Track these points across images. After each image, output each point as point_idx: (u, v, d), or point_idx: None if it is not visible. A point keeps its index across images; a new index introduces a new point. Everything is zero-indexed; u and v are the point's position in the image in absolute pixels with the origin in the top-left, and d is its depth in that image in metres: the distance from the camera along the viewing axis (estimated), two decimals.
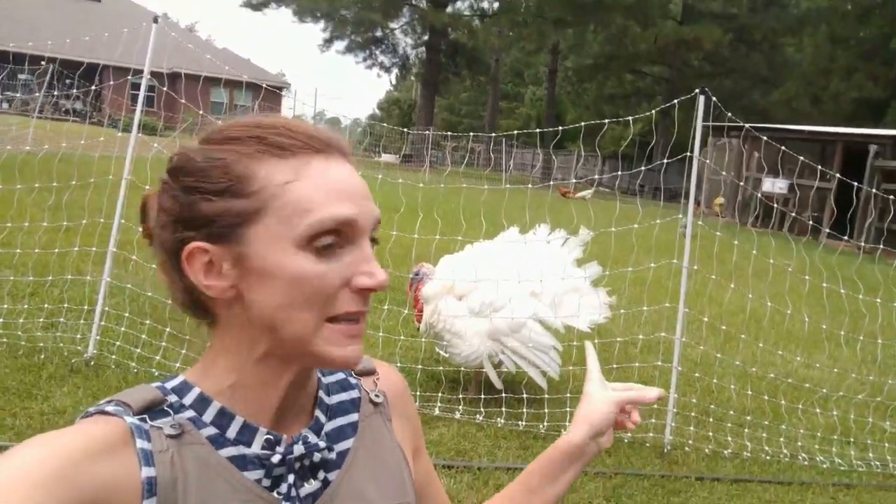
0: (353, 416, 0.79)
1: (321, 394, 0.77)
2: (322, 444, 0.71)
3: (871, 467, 3.79)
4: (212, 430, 0.67)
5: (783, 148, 4.07)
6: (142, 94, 4.21)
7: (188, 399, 0.68)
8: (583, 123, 3.87)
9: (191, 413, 0.67)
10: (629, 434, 3.76)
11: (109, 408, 0.65)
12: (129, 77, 4.68)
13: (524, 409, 3.84)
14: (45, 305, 4.36)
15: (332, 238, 0.64)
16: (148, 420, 0.65)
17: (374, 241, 0.69)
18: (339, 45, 33.35)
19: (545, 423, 3.77)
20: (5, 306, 4.29)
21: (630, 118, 4.01)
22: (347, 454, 0.75)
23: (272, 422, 0.70)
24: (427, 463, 0.90)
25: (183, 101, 4.21)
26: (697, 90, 3.74)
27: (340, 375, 0.82)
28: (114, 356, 3.93)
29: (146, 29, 4.37)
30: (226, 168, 0.65)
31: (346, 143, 0.70)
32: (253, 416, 0.69)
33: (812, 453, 3.84)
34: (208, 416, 0.68)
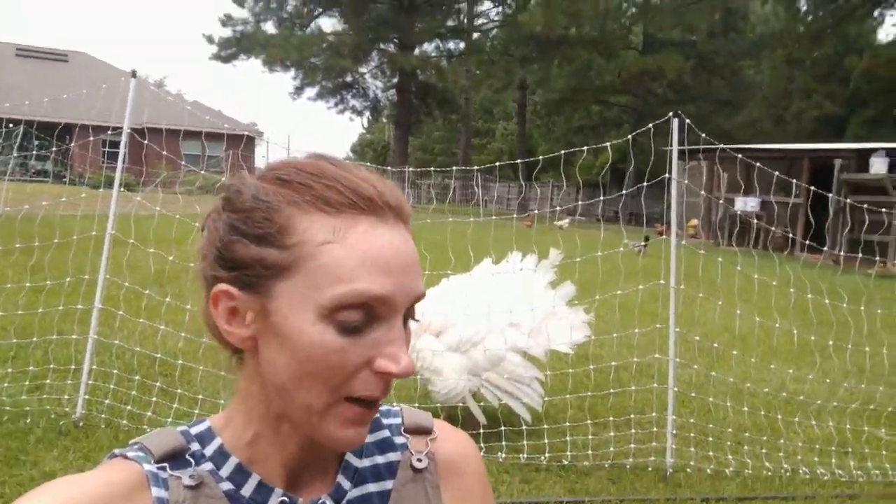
0: (387, 484, 0.72)
1: (349, 456, 0.72)
2: None
3: (871, 476, 3.80)
4: (228, 486, 0.65)
5: (758, 164, 4.17)
6: (122, 149, 4.20)
7: (209, 450, 0.67)
8: (562, 152, 3.94)
9: (210, 465, 0.66)
10: (631, 459, 3.75)
11: (131, 453, 0.64)
12: (108, 133, 4.70)
13: (524, 442, 3.82)
14: (30, 368, 4.28)
15: (360, 313, 0.59)
16: (168, 469, 0.64)
17: (410, 318, 0.63)
18: (310, 91, 33.67)
19: (546, 455, 3.75)
20: None
21: (608, 143, 4.08)
22: None
23: (288, 481, 0.67)
24: None
25: (165, 153, 4.21)
26: (671, 114, 3.84)
27: (385, 433, 0.75)
28: (103, 415, 3.85)
29: (113, 86, 4.39)
30: (268, 213, 0.60)
31: (405, 205, 0.63)
32: (269, 475, 0.67)
33: (812, 466, 3.85)
34: (225, 471, 0.66)
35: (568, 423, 3.95)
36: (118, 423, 3.80)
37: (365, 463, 0.72)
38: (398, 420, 0.77)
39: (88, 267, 4.28)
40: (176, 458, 0.65)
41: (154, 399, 3.99)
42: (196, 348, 4.59)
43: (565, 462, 3.71)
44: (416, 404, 4.32)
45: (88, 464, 3.41)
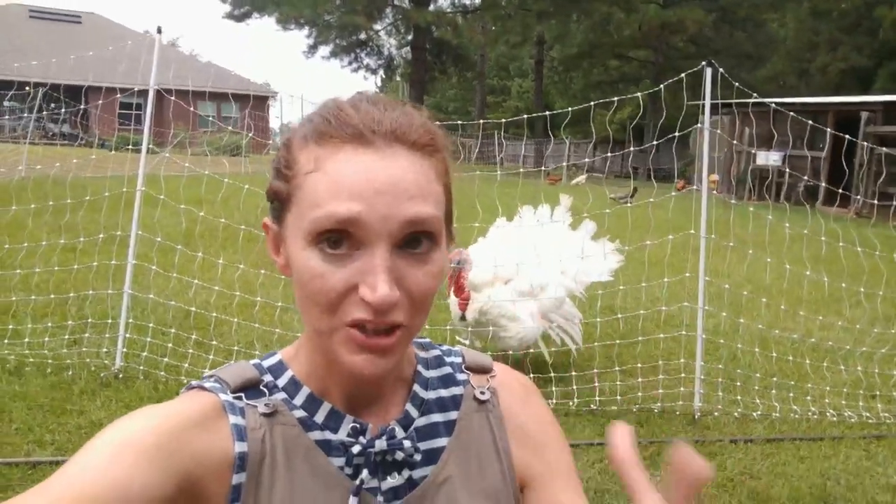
0: (452, 414, 0.74)
1: (417, 387, 0.74)
2: (407, 443, 0.68)
3: None
4: (302, 413, 0.68)
5: (791, 114, 4.12)
6: (149, 108, 4.21)
7: (281, 381, 0.69)
8: (592, 104, 3.90)
9: (283, 395, 0.68)
10: (659, 404, 3.81)
11: (208, 384, 0.67)
12: (134, 93, 4.71)
13: (553, 388, 3.89)
14: (69, 323, 4.39)
15: (338, 237, 0.59)
16: (244, 398, 0.66)
17: (414, 242, 0.61)
18: (324, 50, 33.26)
19: (575, 400, 3.82)
20: (29, 326, 4.32)
21: (638, 94, 4.05)
22: (441, 454, 0.71)
23: (357, 410, 0.70)
24: (560, 497, 0.74)
25: (193, 110, 4.23)
26: (704, 63, 3.79)
27: (447, 370, 0.78)
28: (141, 367, 3.95)
29: (130, 47, 4.39)
30: (286, 149, 0.65)
31: (412, 131, 0.62)
32: (338, 403, 0.69)
33: (839, 409, 3.89)
34: (298, 399, 0.68)
35: (596, 371, 4.00)
36: (156, 375, 3.91)
37: (431, 395, 0.74)
38: (459, 359, 0.80)
39: (120, 225, 4.35)
40: (250, 389, 0.68)
41: (190, 351, 4.09)
42: (229, 302, 4.68)
43: (593, 407, 3.77)
44: None
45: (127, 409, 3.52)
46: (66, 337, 4.27)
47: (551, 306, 4.06)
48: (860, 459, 3.34)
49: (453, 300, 4.00)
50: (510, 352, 4.06)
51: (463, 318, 3.99)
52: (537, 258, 3.99)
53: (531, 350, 4.10)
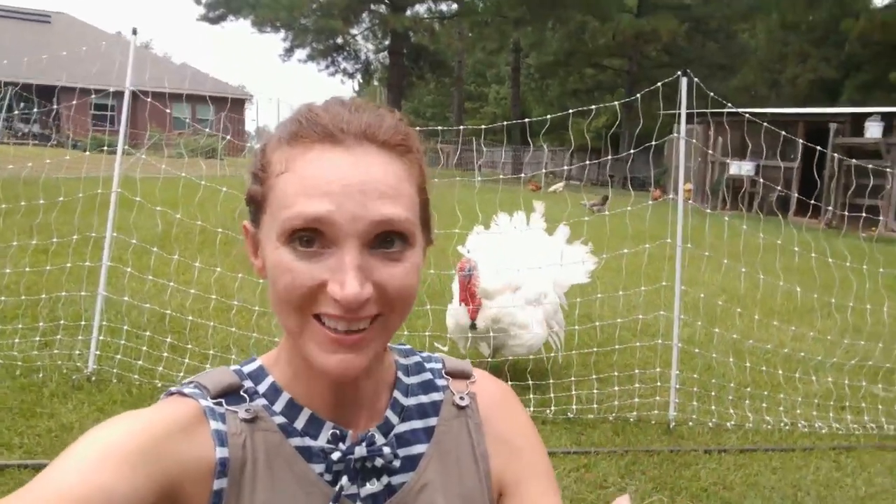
0: (431, 421, 0.75)
1: (397, 394, 0.74)
2: (386, 450, 0.69)
3: (868, 430, 3.92)
4: (282, 419, 0.68)
5: (765, 124, 4.20)
6: (125, 109, 4.14)
7: (262, 387, 0.70)
8: (570, 111, 3.94)
9: (263, 401, 0.69)
10: (635, 413, 3.84)
11: (187, 389, 0.67)
12: (109, 93, 4.64)
13: (531, 396, 3.90)
14: (40, 324, 4.29)
15: (310, 236, 0.60)
16: (224, 404, 0.66)
17: (386, 242, 0.61)
18: (301, 53, 33.08)
19: (552, 408, 3.83)
20: None
21: (615, 103, 4.11)
22: (420, 460, 0.72)
23: (338, 416, 0.70)
24: (538, 500, 0.75)
25: (170, 111, 4.17)
26: (679, 73, 3.85)
27: (427, 376, 0.78)
28: (115, 370, 3.88)
29: (104, 48, 4.33)
30: (262, 152, 0.66)
31: (381, 131, 0.63)
32: (319, 410, 0.69)
33: (810, 420, 3.96)
34: (278, 406, 0.69)
35: (573, 379, 4.03)
36: (130, 378, 3.84)
37: (411, 401, 0.75)
38: (439, 365, 0.81)
39: (94, 227, 4.28)
40: (231, 395, 0.68)
41: (164, 355, 4.03)
42: (205, 306, 4.62)
43: (570, 416, 3.80)
44: None
45: (103, 416, 3.44)
46: (37, 339, 4.18)
47: (552, 312, 4.16)
48: (830, 471, 3.40)
49: (461, 308, 3.94)
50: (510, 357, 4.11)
51: (473, 326, 3.92)
52: (529, 264, 4.04)
53: (509, 358, 4.11)
